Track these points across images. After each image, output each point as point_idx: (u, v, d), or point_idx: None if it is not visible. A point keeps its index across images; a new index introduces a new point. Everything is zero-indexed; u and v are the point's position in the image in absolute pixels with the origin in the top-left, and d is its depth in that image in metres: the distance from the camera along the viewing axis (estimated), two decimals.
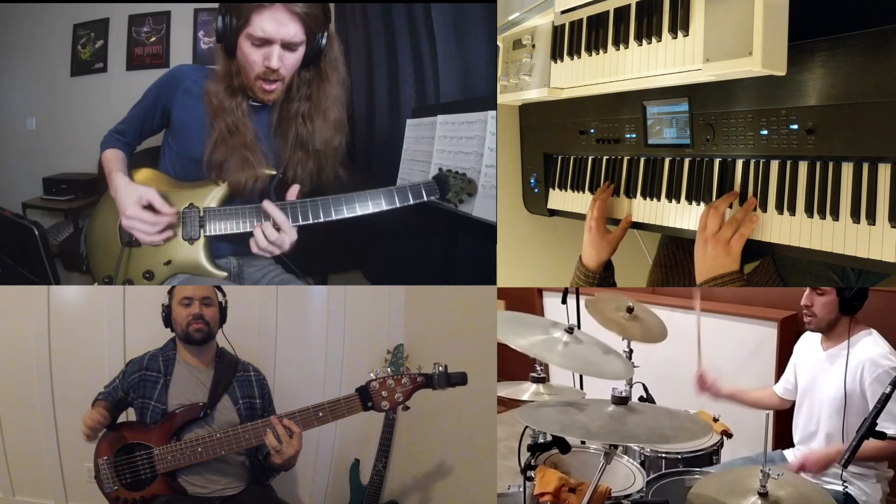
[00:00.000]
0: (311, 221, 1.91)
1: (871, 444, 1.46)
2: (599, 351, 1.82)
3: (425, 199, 1.97)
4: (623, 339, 2.36)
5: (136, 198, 1.89)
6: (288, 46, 1.83)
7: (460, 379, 1.83)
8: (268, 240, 1.88)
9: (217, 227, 1.99)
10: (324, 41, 1.93)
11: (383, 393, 1.83)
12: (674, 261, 2.09)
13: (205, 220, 1.98)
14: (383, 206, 1.94)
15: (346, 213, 1.93)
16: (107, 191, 2.06)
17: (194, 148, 2.01)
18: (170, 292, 2.03)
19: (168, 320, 2.03)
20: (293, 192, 1.97)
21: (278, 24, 1.78)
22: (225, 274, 2.05)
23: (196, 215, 1.98)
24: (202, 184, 2.04)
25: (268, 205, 1.89)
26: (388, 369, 1.88)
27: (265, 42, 1.80)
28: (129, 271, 2.01)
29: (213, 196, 2.02)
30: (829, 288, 1.84)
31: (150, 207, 1.90)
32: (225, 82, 1.95)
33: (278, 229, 1.89)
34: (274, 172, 2.03)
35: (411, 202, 1.97)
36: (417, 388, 1.84)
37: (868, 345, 1.84)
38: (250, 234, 1.94)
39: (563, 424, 1.47)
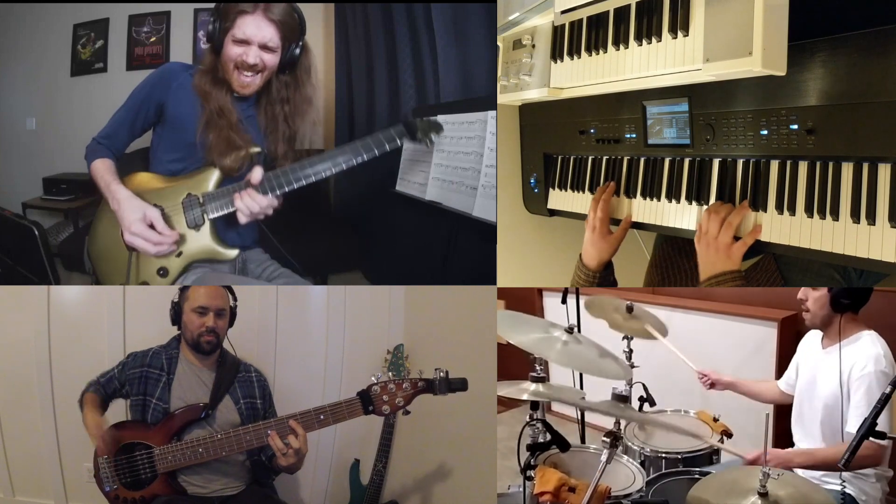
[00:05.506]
0: (292, 187, 2.07)
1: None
2: (597, 352, 1.82)
3: (398, 143, 2.12)
4: (623, 339, 2.37)
5: (140, 214, 1.99)
6: (265, 48, 2.08)
7: (461, 385, 1.85)
8: (251, 210, 2.04)
9: (217, 208, 2.08)
10: (298, 51, 2.14)
11: (384, 397, 1.84)
12: (669, 261, 2.09)
13: (205, 205, 2.08)
14: (353, 161, 2.08)
15: (324, 174, 2.07)
16: (103, 202, 2.12)
17: (188, 133, 2.14)
18: (181, 290, 2.02)
19: (177, 319, 2.03)
20: (257, 173, 2.07)
21: (257, 28, 2.05)
22: (236, 252, 2.12)
23: (196, 202, 2.08)
24: (195, 173, 2.13)
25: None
26: (390, 373, 1.89)
27: (244, 42, 2.06)
28: (142, 273, 2.04)
29: (208, 181, 2.11)
30: None
31: (151, 226, 2.00)
32: (210, 75, 2.15)
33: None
34: (259, 149, 2.18)
35: (387, 149, 2.10)
36: (419, 393, 1.86)
37: (864, 344, 1.83)
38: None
39: None
